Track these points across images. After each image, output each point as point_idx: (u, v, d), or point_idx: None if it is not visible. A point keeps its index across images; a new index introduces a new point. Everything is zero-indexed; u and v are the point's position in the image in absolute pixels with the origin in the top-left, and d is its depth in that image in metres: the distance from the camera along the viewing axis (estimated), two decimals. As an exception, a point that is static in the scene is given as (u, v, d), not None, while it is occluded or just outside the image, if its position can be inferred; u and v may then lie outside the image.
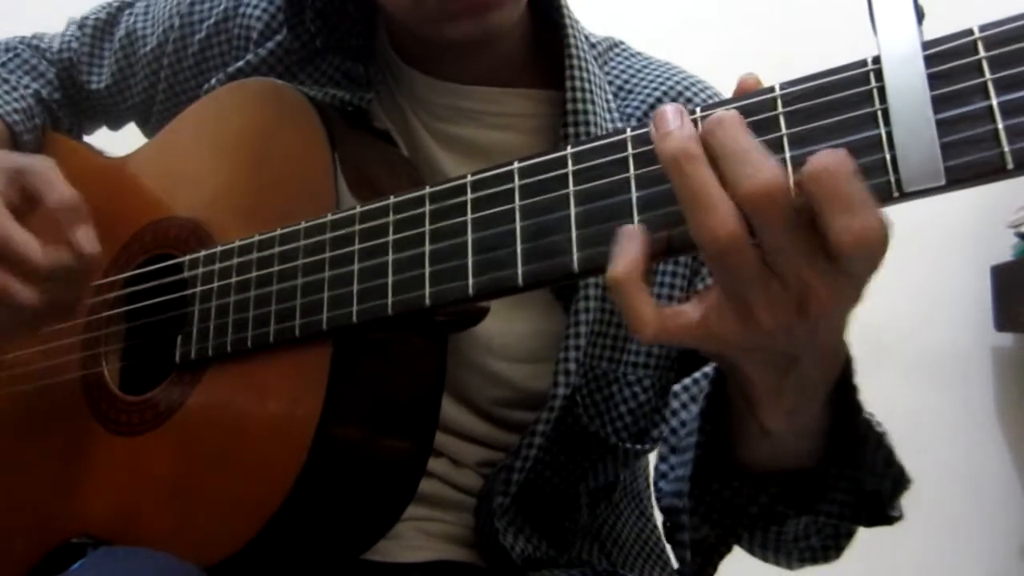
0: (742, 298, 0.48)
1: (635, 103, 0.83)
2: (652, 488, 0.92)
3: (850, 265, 0.46)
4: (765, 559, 0.71)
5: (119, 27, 1.00)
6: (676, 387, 0.73)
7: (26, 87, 0.97)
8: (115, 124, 1.07)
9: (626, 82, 0.85)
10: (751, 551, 0.71)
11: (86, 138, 1.08)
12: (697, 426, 0.66)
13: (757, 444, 0.61)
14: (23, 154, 0.78)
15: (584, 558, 0.85)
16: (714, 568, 0.71)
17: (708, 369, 0.72)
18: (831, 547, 0.68)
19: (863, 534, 0.67)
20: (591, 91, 0.79)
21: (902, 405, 1.78)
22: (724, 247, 0.46)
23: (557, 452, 0.78)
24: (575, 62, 0.79)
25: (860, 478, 0.63)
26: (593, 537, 0.87)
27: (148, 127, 1.03)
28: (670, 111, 0.49)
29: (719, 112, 0.48)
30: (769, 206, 0.45)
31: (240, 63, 0.89)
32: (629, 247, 0.49)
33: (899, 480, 0.62)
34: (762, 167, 0.45)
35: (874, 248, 0.45)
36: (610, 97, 0.83)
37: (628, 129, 0.53)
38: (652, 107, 0.82)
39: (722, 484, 0.66)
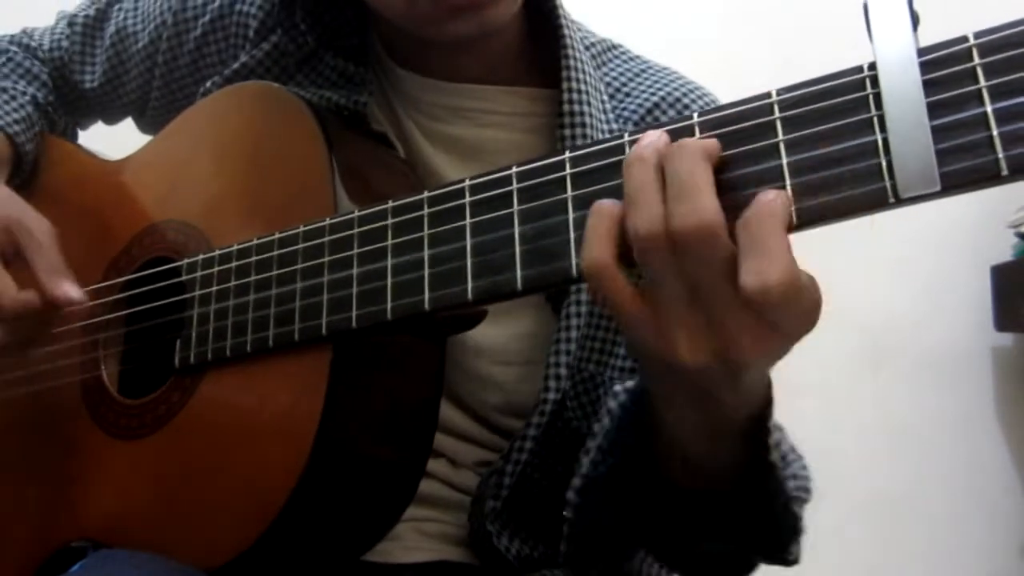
0: (666, 309, 0.49)
1: (632, 106, 0.83)
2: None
3: (770, 314, 0.46)
4: None
5: (109, 24, 0.99)
6: (617, 387, 0.72)
7: (23, 93, 0.97)
8: (110, 120, 1.07)
9: (623, 85, 0.85)
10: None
11: (87, 137, 1.08)
12: (602, 455, 0.68)
13: (674, 461, 0.61)
14: (27, 209, 0.79)
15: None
16: None
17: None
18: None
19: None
20: (587, 92, 0.79)
21: (902, 405, 1.79)
22: (647, 245, 0.48)
23: (548, 455, 0.78)
24: (571, 62, 0.79)
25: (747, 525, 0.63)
26: (588, 535, 0.87)
27: (143, 122, 1.03)
28: (652, 131, 0.51)
29: (687, 140, 0.49)
30: (697, 246, 0.47)
31: (236, 64, 0.88)
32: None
33: (795, 527, 0.63)
34: (700, 207, 0.46)
35: (780, 297, 0.45)
36: (605, 99, 0.82)
37: (626, 133, 0.53)
38: (649, 111, 0.82)
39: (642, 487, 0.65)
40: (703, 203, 0.47)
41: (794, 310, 0.46)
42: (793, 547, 0.64)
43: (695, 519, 0.63)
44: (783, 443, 0.69)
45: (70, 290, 0.74)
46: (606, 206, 0.50)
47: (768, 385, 0.57)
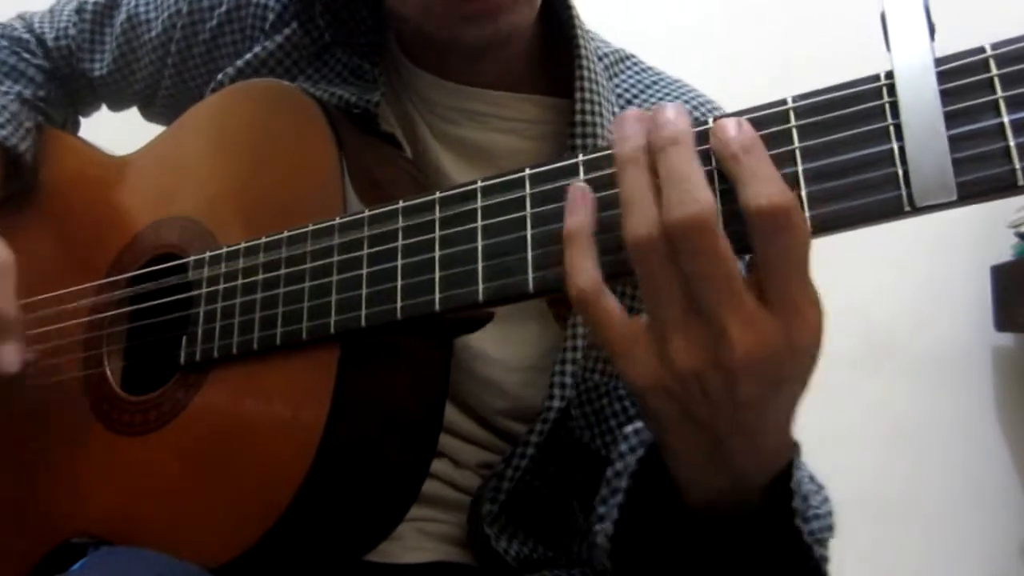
0: (662, 322, 0.49)
1: None
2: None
3: (772, 243, 0.46)
4: None
5: (120, 11, 0.98)
6: (628, 429, 0.71)
7: (5, 93, 0.95)
8: (116, 107, 1.06)
9: (636, 96, 0.85)
10: None
11: (90, 135, 1.07)
12: (622, 497, 0.66)
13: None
14: None
15: (584, 557, 0.85)
16: None
17: None
18: None
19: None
20: (599, 102, 0.79)
21: (902, 405, 1.79)
22: (644, 250, 0.48)
23: (548, 462, 0.78)
24: (584, 72, 0.79)
25: None
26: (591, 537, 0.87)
27: (150, 112, 1.02)
28: (631, 117, 0.51)
29: (675, 131, 0.49)
30: (694, 236, 0.47)
31: (248, 56, 0.88)
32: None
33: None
34: (695, 197, 0.47)
35: (783, 219, 0.46)
36: (617, 109, 0.82)
37: None
38: None
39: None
40: (696, 193, 0.47)
41: (789, 240, 0.46)
42: None
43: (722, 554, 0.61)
44: (803, 482, 0.66)
45: (9, 354, 0.76)
46: (577, 231, 0.51)
47: (789, 445, 0.56)
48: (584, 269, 0.50)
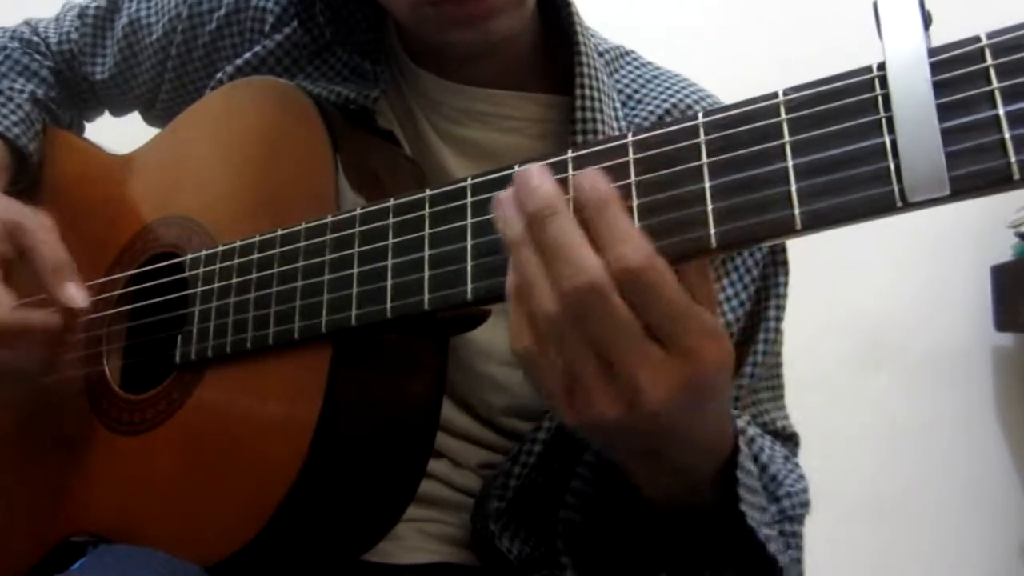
0: (581, 382, 0.50)
1: (643, 113, 0.83)
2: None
3: (640, 301, 0.48)
4: None
5: (121, 15, 0.99)
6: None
7: (20, 91, 0.96)
8: (118, 112, 1.07)
9: (636, 91, 0.85)
10: None
11: (94, 132, 1.07)
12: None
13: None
14: (24, 208, 0.79)
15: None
16: None
17: None
18: None
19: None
20: (599, 99, 0.79)
21: (902, 405, 1.79)
22: (551, 324, 0.49)
23: (554, 460, 0.77)
24: (584, 69, 0.79)
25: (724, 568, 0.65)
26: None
27: (151, 115, 1.02)
28: (504, 199, 0.52)
29: (542, 201, 0.50)
30: (589, 302, 0.48)
31: (248, 55, 0.88)
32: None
33: (770, 570, 0.64)
34: (581, 267, 0.48)
35: (642, 279, 0.47)
36: (618, 105, 0.82)
37: (630, 134, 0.52)
38: (660, 118, 0.82)
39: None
40: (580, 262, 0.48)
41: (655, 294, 0.47)
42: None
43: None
44: (772, 464, 0.71)
45: (74, 292, 0.75)
46: (519, 295, 0.51)
47: (729, 435, 0.60)
48: (522, 329, 0.52)
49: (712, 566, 0.65)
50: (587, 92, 0.78)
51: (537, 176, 0.50)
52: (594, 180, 0.50)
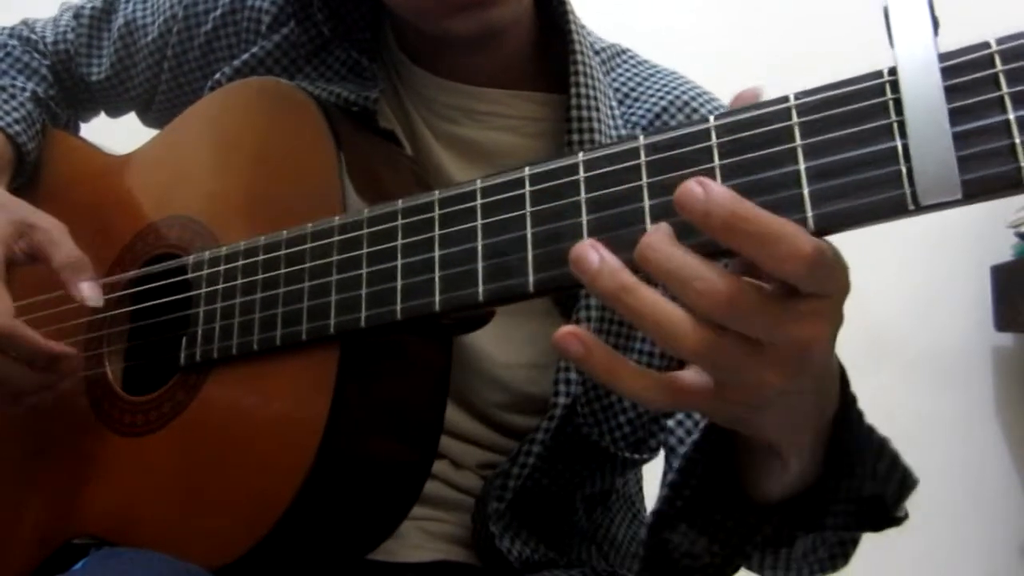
0: (738, 380, 0.48)
1: (640, 111, 0.83)
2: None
3: (805, 285, 0.45)
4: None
5: (117, 16, 0.99)
6: (670, 422, 0.71)
7: (22, 89, 0.96)
8: (114, 113, 1.06)
9: (632, 90, 0.85)
10: (760, 572, 0.69)
11: (91, 132, 1.07)
12: (693, 461, 0.65)
13: (777, 477, 0.60)
14: (34, 208, 0.80)
15: (583, 558, 0.85)
16: None
17: None
18: (838, 555, 0.67)
19: (863, 534, 0.67)
20: (595, 97, 0.79)
21: (902, 405, 1.79)
22: (703, 354, 0.46)
23: (555, 460, 0.77)
24: (580, 68, 0.79)
25: (858, 487, 0.62)
26: (590, 539, 0.87)
27: (148, 116, 1.02)
28: (585, 250, 0.47)
29: (647, 236, 0.46)
30: (736, 312, 0.44)
31: (246, 56, 0.88)
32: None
33: (904, 483, 0.62)
34: (711, 287, 0.44)
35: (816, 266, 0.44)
36: (614, 104, 0.82)
37: (641, 136, 0.52)
38: (657, 116, 0.82)
39: (725, 515, 0.64)
40: (706, 278, 0.44)
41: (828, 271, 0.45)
42: (902, 505, 0.63)
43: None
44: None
45: (92, 291, 0.75)
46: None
47: (835, 361, 0.59)
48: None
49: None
50: (583, 91, 0.78)
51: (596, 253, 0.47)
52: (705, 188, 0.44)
